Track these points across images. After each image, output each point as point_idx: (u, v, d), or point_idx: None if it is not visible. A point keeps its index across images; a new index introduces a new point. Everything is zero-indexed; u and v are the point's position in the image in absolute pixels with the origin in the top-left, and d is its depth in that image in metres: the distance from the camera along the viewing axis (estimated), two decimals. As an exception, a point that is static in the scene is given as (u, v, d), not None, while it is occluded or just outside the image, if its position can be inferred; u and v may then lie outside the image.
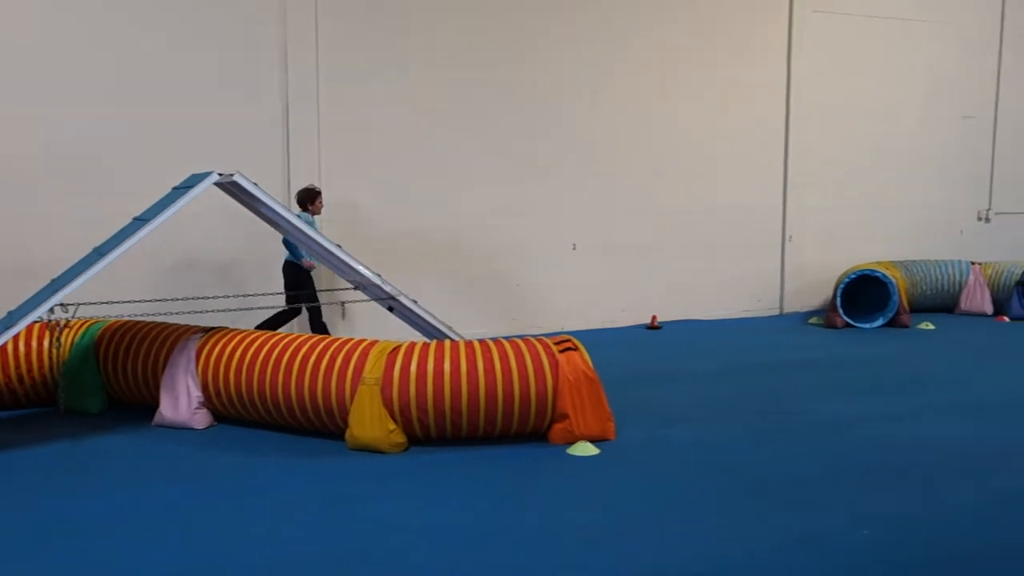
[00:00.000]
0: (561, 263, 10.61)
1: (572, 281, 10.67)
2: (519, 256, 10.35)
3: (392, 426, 5.72)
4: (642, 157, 10.97)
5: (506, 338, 6.15)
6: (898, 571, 3.93)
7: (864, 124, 12.31)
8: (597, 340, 9.96)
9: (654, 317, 10.98)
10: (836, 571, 3.92)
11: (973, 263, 12.10)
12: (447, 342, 6.00)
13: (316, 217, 8.49)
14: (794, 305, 12.15)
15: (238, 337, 6.46)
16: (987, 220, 13.52)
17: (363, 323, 9.28)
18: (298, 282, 8.36)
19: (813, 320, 11.36)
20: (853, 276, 10.98)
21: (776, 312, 12.06)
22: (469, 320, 10.00)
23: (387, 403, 5.71)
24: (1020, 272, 11.58)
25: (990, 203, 13.51)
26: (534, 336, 6.35)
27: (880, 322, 10.86)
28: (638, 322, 11.07)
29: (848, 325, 10.85)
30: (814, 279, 12.12)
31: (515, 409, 5.79)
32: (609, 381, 7.42)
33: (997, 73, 13.30)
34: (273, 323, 8.34)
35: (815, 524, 4.48)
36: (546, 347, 5.99)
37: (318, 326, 8.51)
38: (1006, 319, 11.37)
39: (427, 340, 6.45)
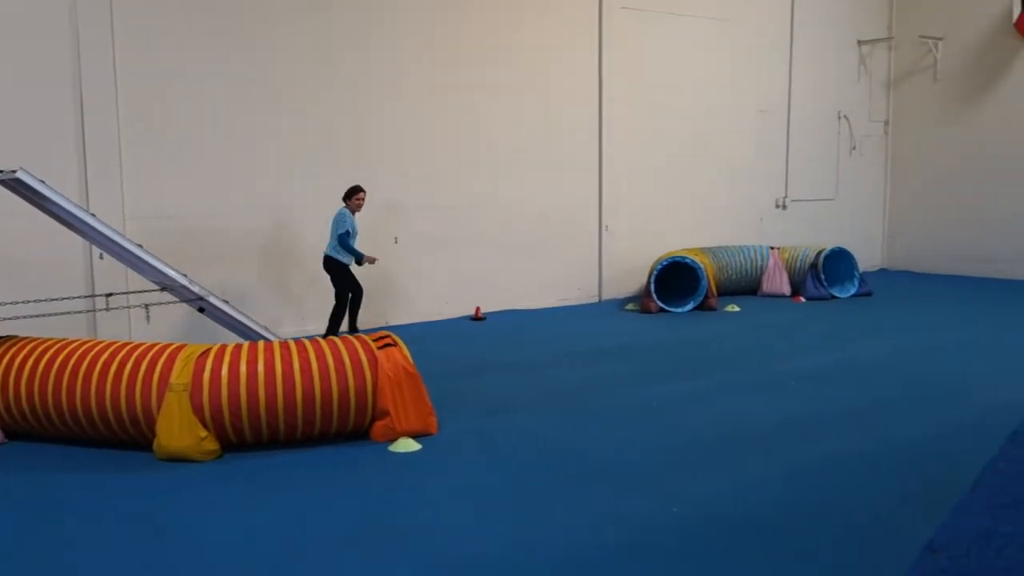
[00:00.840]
0: (383, 257, 10.45)
1: (395, 275, 10.58)
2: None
3: (203, 433, 5.46)
4: (465, 151, 11.01)
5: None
6: (701, 542, 4.13)
7: (673, 118, 12.87)
8: (421, 333, 9.99)
9: (478, 308, 11.06)
10: (646, 550, 4.08)
11: (772, 248, 12.93)
12: (261, 343, 5.80)
13: (358, 214, 9.03)
14: (611, 292, 12.57)
15: (30, 345, 5.98)
16: (784, 207, 14.48)
17: (171, 326, 8.82)
18: (343, 276, 8.99)
19: (629, 306, 11.79)
20: (665, 263, 11.48)
21: (595, 300, 12.44)
22: (291, 319, 9.75)
23: (197, 410, 5.44)
24: (813, 255, 12.47)
25: (786, 191, 14.47)
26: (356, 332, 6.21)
27: (691, 306, 11.41)
28: (463, 314, 11.13)
29: (662, 310, 11.33)
30: (630, 267, 12.57)
31: (334, 409, 5.67)
32: (433, 375, 7.43)
33: (789, 70, 14.25)
34: (348, 317, 9.15)
35: (631, 505, 4.64)
36: (364, 344, 5.90)
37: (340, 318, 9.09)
38: (802, 299, 12.21)
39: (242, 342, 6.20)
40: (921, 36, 14.95)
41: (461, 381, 7.60)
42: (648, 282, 11.50)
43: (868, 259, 15.67)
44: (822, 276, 12.30)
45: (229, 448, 5.64)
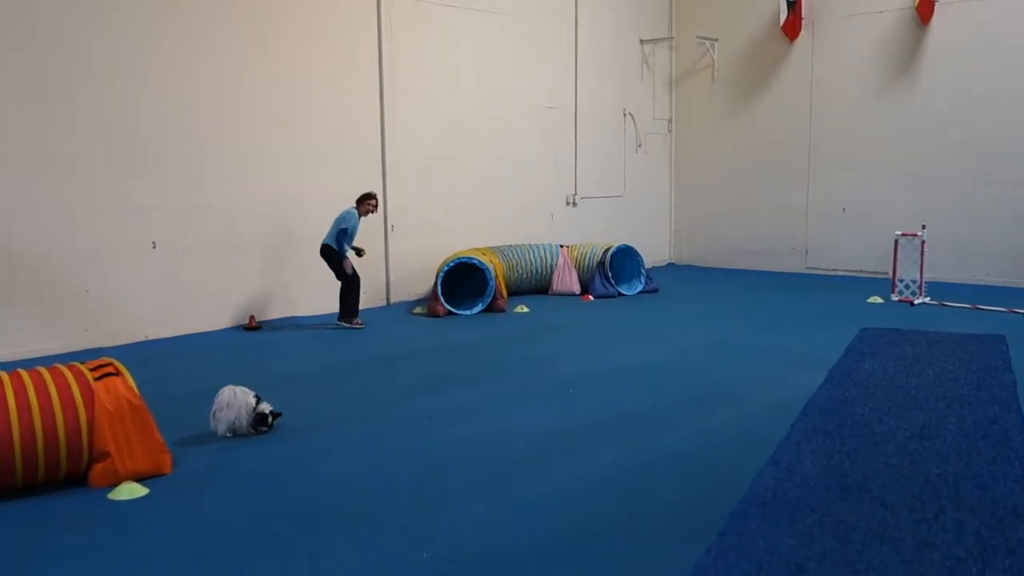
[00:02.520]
0: (140, 264, 9.46)
1: (155, 284, 9.58)
2: (87, 257, 9.02)
3: None
4: (230, 148, 10.12)
5: (71, 356, 5.12)
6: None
7: (459, 112, 12.50)
8: (187, 347, 9.17)
9: (252, 317, 10.25)
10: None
11: (562, 246, 12.85)
12: (-57, 379, 4.86)
13: (364, 218, 10.15)
14: (400, 294, 12.07)
15: None
16: (574, 204, 14.49)
17: None
18: (341, 261, 9.96)
19: (417, 310, 11.33)
20: (452, 264, 11.11)
21: (383, 303, 11.89)
22: (28, 335, 8.60)
23: None
24: (602, 253, 12.49)
25: (576, 188, 14.48)
26: (93, 355, 5.37)
27: (479, 308, 11.10)
28: (236, 323, 10.28)
29: (450, 312, 10.96)
30: (419, 267, 12.11)
31: (39, 454, 4.83)
32: (186, 397, 6.75)
33: (575, 67, 14.25)
34: (352, 303, 10.15)
35: (376, 551, 4.15)
36: (78, 375, 5.09)
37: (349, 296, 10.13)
38: (591, 298, 12.20)
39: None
40: (698, 36, 15.38)
41: (204, 406, 6.83)
42: (435, 284, 11.09)
43: (657, 254, 16.03)
44: (609, 274, 12.33)
45: (-97, 508, 4.70)
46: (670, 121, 16.25)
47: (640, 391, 7.08)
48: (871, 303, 11.35)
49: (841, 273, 14.31)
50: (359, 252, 10.21)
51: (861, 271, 14.08)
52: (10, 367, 5.86)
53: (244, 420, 5.94)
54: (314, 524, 4.49)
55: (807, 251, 14.81)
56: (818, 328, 9.66)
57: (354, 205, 10.04)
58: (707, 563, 2.43)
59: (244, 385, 6.13)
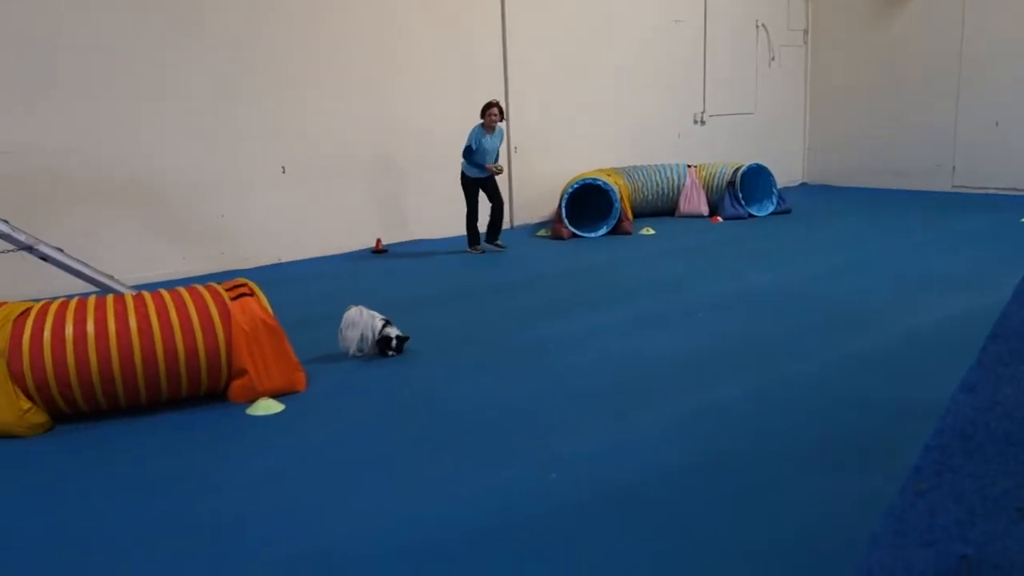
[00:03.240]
0: (271, 189, 9.68)
1: (285, 208, 9.81)
2: (220, 184, 9.30)
3: (27, 405, 4.77)
4: (355, 72, 10.15)
5: (207, 278, 5.28)
6: (574, 514, 3.65)
7: (582, 29, 12.13)
8: (317, 270, 9.38)
9: (378, 241, 10.39)
10: (526, 521, 3.59)
11: (689, 166, 12.42)
12: (92, 298, 5.08)
13: (491, 132, 9.64)
14: (523, 217, 11.98)
15: None
16: (702, 123, 13.96)
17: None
18: (466, 187, 9.84)
19: (541, 232, 11.24)
20: (576, 186, 10.91)
21: (507, 226, 11.81)
22: (168, 260, 9.00)
23: (17, 378, 4.74)
24: (731, 172, 12.02)
25: (704, 106, 13.92)
26: (228, 276, 5.53)
27: (604, 230, 10.91)
28: (363, 246, 10.44)
29: (574, 235, 10.81)
30: (543, 189, 11.96)
31: (181, 370, 5.03)
32: (313, 319, 6.89)
33: (705, -24, 13.57)
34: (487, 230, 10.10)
35: (504, 472, 4.13)
36: (215, 295, 5.23)
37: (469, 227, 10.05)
38: (720, 219, 11.79)
39: (93, 295, 5.48)
40: (840, -61, 14.36)
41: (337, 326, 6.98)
42: (559, 206, 10.94)
43: (789, 174, 15.34)
44: (739, 195, 11.87)
45: (63, 419, 4.98)
46: (806, 32, 15.33)
47: (772, 317, 6.79)
48: (1027, 223, 10.55)
49: (992, 192, 13.34)
50: (494, 170, 9.71)
51: (1014, 190, 13.08)
52: (152, 287, 6.12)
53: (369, 340, 6.00)
54: (442, 444, 4.51)
55: (954, 168, 13.84)
56: (970, 250, 9.03)
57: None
58: (904, 505, 2.09)
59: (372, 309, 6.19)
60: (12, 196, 7.82)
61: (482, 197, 9.92)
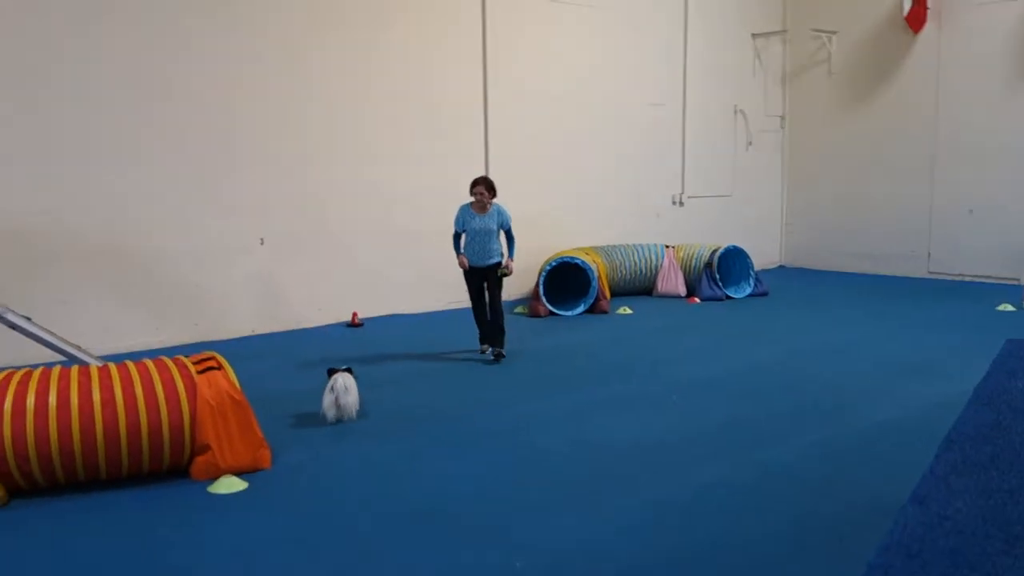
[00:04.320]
0: (247, 260, 9.66)
1: (261, 279, 9.77)
2: (196, 254, 9.27)
3: (-19, 479, 4.65)
4: (333, 142, 10.24)
5: (180, 349, 5.21)
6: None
7: (562, 110, 12.34)
8: (291, 342, 9.28)
9: (355, 314, 10.34)
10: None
11: (668, 246, 12.53)
12: (55, 369, 5.00)
13: (482, 214, 8.24)
14: (503, 294, 11.94)
15: None
16: (681, 204, 14.13)
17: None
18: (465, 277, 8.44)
19: (518, 309, 11.23)
20: (554, 263, 10.96)
21: (484, 302, 11.81)
22: (140, 329, 8.88)
23: (-27, 451, 4.63)
24: (708, 254, 12.12)
25: (683, 187, 14.12)
26: (201, 348, 5.46)
27: (581, 309, 10.92)
28: (338, 320, 10.39)
29: (551, 313, 10.81)
30: (521, 266, 11.92)
31: (143, 446, 4.92)
32: (283, 394, 6.81)
33: (684, 62, 13.88)
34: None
35: (467, 555, 4.03)
36: (182, 368, 5.16)
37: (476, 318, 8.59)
38: (697, 300, 11.84)
39: (58, 364, 5.38)
40: (814, 29, 14.78)
41: (315, 399, 6.89)
42: (536, 284, 10.96)
43: (767, 256, 15.50)
44: (717, 276, 11.95)
45: (19, 494, 4.84)
46: (783, 118, 15.68)
47: (748, 400, 6.77)
48: (1001, 311, 10.63)
49: (967, 279, 13.50)
50: (498, 269, 8.36)
51: (989, 277, 13.25)
52: (124, 358, 6.04)
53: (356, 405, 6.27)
54: (407, 524, 4.42)
55: (929, 255, 14.02)
56: (944, 338, 9.07)
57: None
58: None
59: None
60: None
61: None
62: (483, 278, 8.35)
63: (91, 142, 8.51)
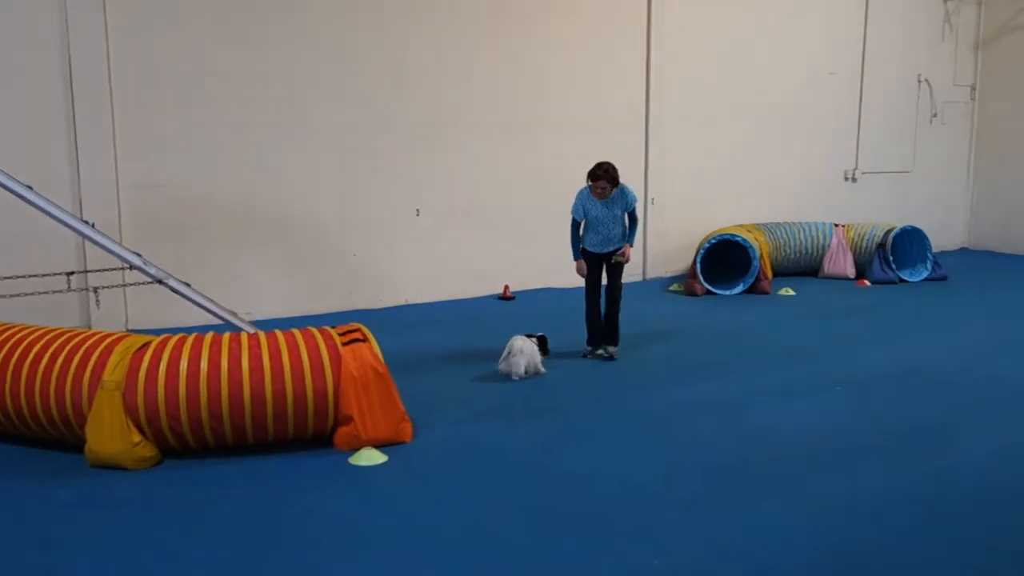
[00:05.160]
0: (403, 231, 9.74)
1: (416, 250, 9.83)
2: (355, 224, 9.42)
3: (137, 438, 4.82)
4: (493, 114, 10.14)
5: (335, 317, 5.24)
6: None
7: (726, 81, 11.75)
8: (442, 314, 9.32)
9: (506, 287, 10.26)
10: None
11: (836, 225, 11.77)
12: (208, 335, 5.11)
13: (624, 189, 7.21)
14: (658, 270, 11.61)
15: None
16: (854, 180, 13.23)
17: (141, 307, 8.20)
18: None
19: (674, 287, 10.84)
20: (713, 241, 10.49)
21: (639, 278, 11.48)
22: (300, 298, 9.12)
23: (131, 410, 4.80)
24: (882, 234, 11.29)
25: (856, 163, 13.21)
26: (355, 316, 5.50)
27: (740, 289, 10.41)
28: (490, 292, 10.34)
29: (708, 292, 10.36)
30: (680, 243, 11.56)
31: (288, 413, 4.97)
32: (430, 364, 6.81)
33: (864, 28, 12.92)
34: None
35: (604, 551, 3.82)
36: (328, 339, 5.17)
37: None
38: (867, 283, 11.06)
39: (211, 331, 5.55)
40: (1016, -10, 13.42)
41: (465, 371, 6.86)
42: (694, 261, 10.52)
43: (949, 238, 14.34)
44: (890, 258, 11.12)
45: (171, 453, 5.00)
46: (973, 88, 14.37)
47: (920, 396, 6.19)
48: None
49: None
50: (603, 256, 7.29)
51: None
52: (285, 324, 6.19)
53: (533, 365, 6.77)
54: (541, 515, 4.24)
55: None
56: None
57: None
58: None
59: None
60: (160, 227, 8.21)
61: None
62: (602, 265, 7.40)
63: (257, 117, 8.76)
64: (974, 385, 6.43)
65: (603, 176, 6.99)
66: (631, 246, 7.33)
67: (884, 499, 4.38)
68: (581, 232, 7.34)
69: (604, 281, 7.44)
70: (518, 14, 10.15)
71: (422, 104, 9.66)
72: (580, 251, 7.35)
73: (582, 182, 7.25)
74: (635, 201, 7.25)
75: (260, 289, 8.88)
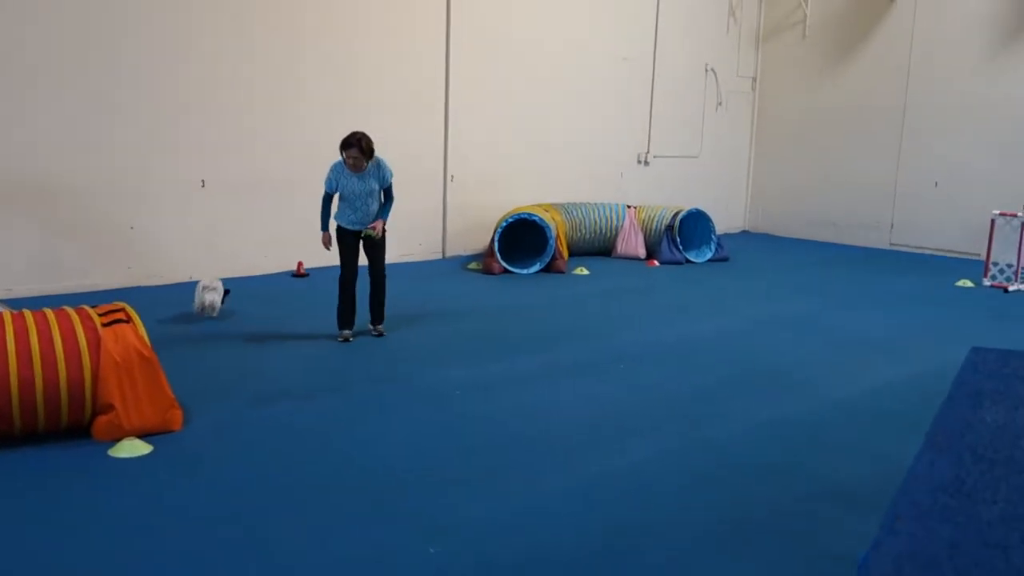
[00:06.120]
0: (187, 203, 9.17)
1: (202, 223, 9.30)
2: (133, 194, 8.78)
3: None
4: (290, 87, 9.73)
5: (113, 294, 4.76)
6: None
7: (526, 61, 11.87)
8: (232, 291, 8.81)
9: (300, 264, 9.91)
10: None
11: (629, 207, 12.20)
12: (-58, 317, 4.57)
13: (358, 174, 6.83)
14: (457, 248, 11.62)
15: None
16: (646, 163, 13.77)
17: None
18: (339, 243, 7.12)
19: (472, 265, 10.87)
20: (510, 220, 10.58)
21: (439, 256, 11.47)
22: (72, 270, 8.43)
23: None
24: (671, 217, 11.81)
25: (648, 147, 13.75)
26: (136, 292, 5.04)
27: (537, 267, 10.58)
28: (283, 269, 9.96)
29: (505, 270, 10.46)
30: (478, 221, 11.61)
31: (38, 404, 4.52)
32: (209, 346, 6.49)
33: (656, 16, 13.42)
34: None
35: (381, 538, 3.72)
36: (86, 319, 4.75)
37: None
38: (656, 263, 11.55)
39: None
40: (792, -11, 14.37)
41: (246, 354, 6.55)
42: (491, 240, 10.59)
43: (731, 221, 15.25)
44: (677, 239, 11.66)
45: (-103, 450, 4.44)
46: (754, 80, 15.32)
47: (698, 371, 6.49)
48: (960, 287, 10.46)
49: (929, 252, 13.34)
50: (359, 234, 7.01)
51: (951, 251, 13.10)
52: (50, 302, 5.63)
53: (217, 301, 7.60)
54: (314, 499, 4.09)
55: (892, 226, 13.84)
56: (901, 312, 8.87)
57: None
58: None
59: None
60: None
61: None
62: (359, 244, 7.12)
63: (24, 71, 7.94)
64: (741, 361, 6.81)
65: (355, 145, 6.64)
66: (384, 222, 7.07)
67: (654, 468, 4.53)
68: (335, 207, 7.06)
69: (365, 261, 7.19)
70: (313, -20, 9.76)
71: (209, 74, 9.11)
72: (328, 224, 7.08)
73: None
74: (391, 176, 7.00)
75: (23, 262, 8.11)
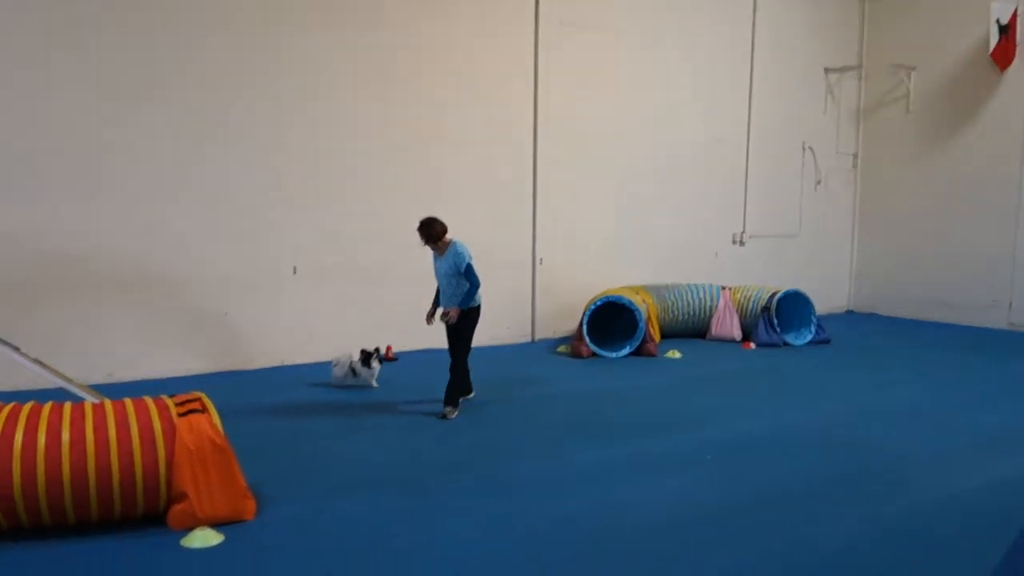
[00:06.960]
0: (279, 289, 9.37)
1: (293, 309, 9.47)
2: (227, 282, 9.02)
3: (-62, 520, 4.34)
4: (378, 174, 9.93)
5: (208, 377, 4.84)
6: None
7: (618, 141, 11.86)
8: (318, 375, 8.92)
9: (389, 348, 9.95)
10: None
11: (724, 288, 11.88)
12: (27, 406, 4.68)
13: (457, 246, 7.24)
14: (546, 332, 11.50)
15: None
16: (742, 243, 13.46)
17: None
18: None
19: (561, 349, 10.71)
20: (599, 303, 10.42)
21: (527, 339, 11.36)
22: (169, 358, 8.66)
23: (-68, 490, 4.33)
24: (767, 297, 11.44)
25: (744, 226, 13.45)
26: (229, 376, 5.11)
27: (626, 351, 10.34)
28: (373, 353, 10.01)
29: (594, 354, 10.26)
30: (567, 304, 11.49)
31: (114, 490, 4.56)
32: (293, 433, 6.47)
33: (749, 96, 13.26)
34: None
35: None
36: (163, 409, 4.80)
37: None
38: (752, 346, 11.15)
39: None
40: (892, 64, 14.00)
41: (330, 439, 6.52)
42: (580, 323, 10.43)
43: (833, 300, 14.69)
44: (775, 320, 11.25)
45: (-19, 536, 4.53)
46: (855, 156, 14.89)
47: (796, 465, 6.10)
48: (1087, 372, 9.70)
49: (1052, 333, 12.49)
50: (444, 320, 7.30)
51: (1076, 332, 12.23)
52: (150, 387, 5.75)
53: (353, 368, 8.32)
54: (381, 603, 3.94)
55: (1011, 304, 13.03)
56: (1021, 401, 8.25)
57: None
58: None
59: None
60: (11, 281, 7.67)
61: None
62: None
63: (127, 168, 8.35)
64: (845, 455, 6.38)
65: (418, 229, 7.05)
66: (460, 308, 7.18)
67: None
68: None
69: None
70: (406, 73, 10.02)
71: (305, 162, 9.39)
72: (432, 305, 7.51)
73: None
74: (466, 259, 7.09)
75: (125, 349, 8.39)
